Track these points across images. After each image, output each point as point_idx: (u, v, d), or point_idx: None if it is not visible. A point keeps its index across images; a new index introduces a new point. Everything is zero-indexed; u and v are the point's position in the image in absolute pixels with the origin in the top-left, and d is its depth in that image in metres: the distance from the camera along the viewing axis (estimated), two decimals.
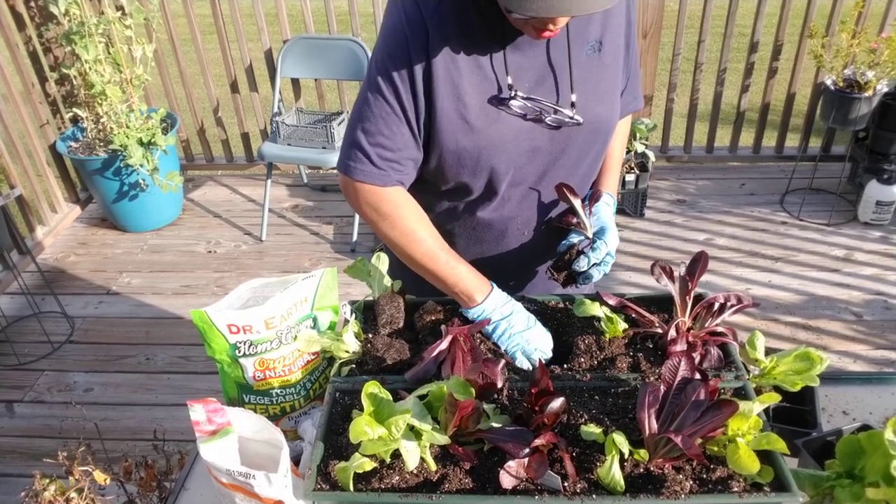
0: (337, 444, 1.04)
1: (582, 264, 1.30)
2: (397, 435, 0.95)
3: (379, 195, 1.28)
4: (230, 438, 1.07)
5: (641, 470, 0.96)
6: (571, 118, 1.25)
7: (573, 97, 1.25)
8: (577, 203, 1.32)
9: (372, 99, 1.21)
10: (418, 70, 1.18)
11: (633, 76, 1.41)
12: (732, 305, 1.17)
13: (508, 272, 1.34)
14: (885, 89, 3.22)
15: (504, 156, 1.27)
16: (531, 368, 1.19)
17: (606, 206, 1.41)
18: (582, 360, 1.17)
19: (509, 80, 1.21)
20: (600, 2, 0.99)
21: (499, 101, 1.22)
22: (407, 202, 1.30)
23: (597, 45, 1.25)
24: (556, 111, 1.25)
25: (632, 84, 1.41)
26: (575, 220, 1.33)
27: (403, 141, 1.23)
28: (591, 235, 1.33)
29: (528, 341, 1.22)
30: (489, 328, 1.24)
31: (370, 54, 3.56)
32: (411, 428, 0.97)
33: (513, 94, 1.21)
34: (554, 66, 1.24)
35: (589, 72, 1.26)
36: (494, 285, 1.29)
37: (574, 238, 1.35)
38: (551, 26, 1.10)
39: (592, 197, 1.37)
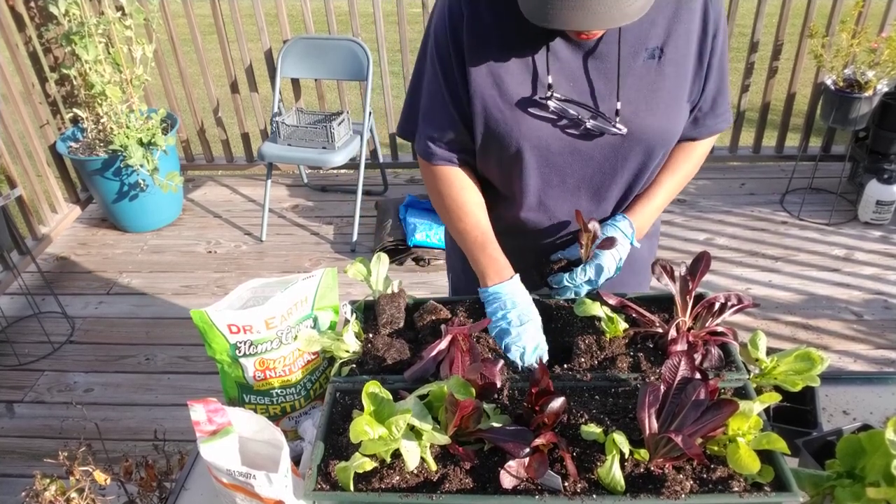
0: (337, 443, 1.04)
1: (557, 279, 1.33)
2: (398, 435, 0.95)
3: (434, 173, 1.35)
4: (230, 438, 1.07)
5: (642, 470, 0.96)
6: (613, 126, 1.21)
7: (618, 105, 1.20)
8: (587, 232, 1.32)
9: (425, 84, 1.29)
10: (458, 62, 1.21)
11: (717, 92, 1.29)
12: (733, 305, 1.17)
13: (528, 268, 1.35)
14: (886, 89, 3.22)
15: (536, 152, 1.25)
16: (520, 366, 1.19)
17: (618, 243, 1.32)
18: (582, 359, 1.17)
19: (549, 80, 1.19)
20: (616, 17, 0.97)
21: (535, 100, 1.21)
22: (457, 182, 1.35)
23: (657, 52, 1.19)
24: (595, 117, 1.21)
25: (712, 100, 1.29)
26: (584, 240, 1.34)
27: (451, 124, 1.28)
28: (583, 260, 1.34)
29: (516, 336, 1.20)
30: (488, 309, 1.26)
31: (370, 55, 3.57)
32: (412, 428, 0.97)
33: (550, 94, 1.19)
34: (600, 71, 1.20)
35: (643, 80, 1.20)
36: (515, 279, 1.29)
37: (568, 254, 1.38)
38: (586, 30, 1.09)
39: (603, 243, 1.30)
